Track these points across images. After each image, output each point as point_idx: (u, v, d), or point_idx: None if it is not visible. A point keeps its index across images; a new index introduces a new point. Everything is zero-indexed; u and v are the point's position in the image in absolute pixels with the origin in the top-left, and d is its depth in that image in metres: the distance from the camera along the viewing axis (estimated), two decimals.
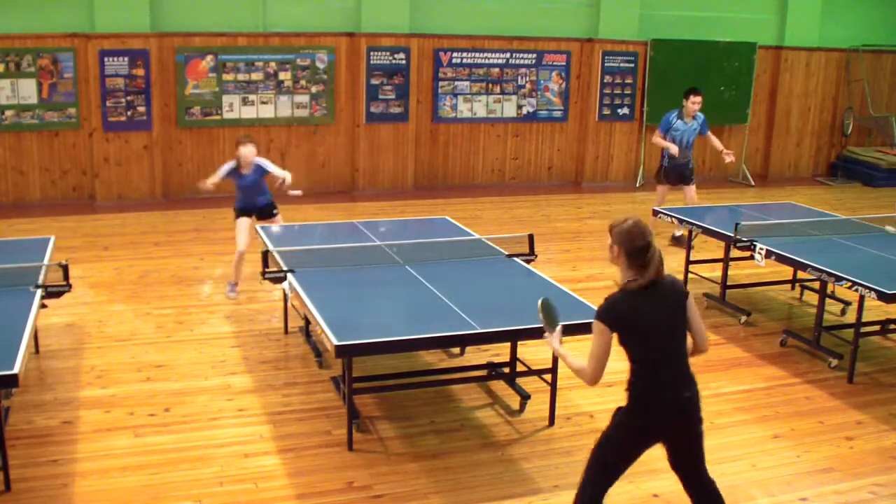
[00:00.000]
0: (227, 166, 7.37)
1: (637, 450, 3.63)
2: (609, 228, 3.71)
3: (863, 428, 5.34)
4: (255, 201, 7.46)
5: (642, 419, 3.58)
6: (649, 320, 3.54)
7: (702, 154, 13.63)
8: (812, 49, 13.81)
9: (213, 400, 5.48)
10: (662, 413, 3.57)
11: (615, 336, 3.55)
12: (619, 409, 3.63)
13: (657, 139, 9.41)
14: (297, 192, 7.56)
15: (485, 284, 5.70)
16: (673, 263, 8.74)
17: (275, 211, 7.58)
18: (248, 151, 7.27)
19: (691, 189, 9.40)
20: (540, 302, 3.97)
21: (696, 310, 3.75)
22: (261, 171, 7.39)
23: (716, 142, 9.66)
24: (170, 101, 11.02)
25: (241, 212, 7.45)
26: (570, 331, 5.17)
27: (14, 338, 4.36)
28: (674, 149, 9.15)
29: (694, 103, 9.18)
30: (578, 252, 9.18)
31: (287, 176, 7.35)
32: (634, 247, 3.58)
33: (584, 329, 5.08)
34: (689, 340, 3.74)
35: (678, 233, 9.15)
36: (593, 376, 3.57)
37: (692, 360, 3.73)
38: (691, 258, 7.87)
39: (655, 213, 8.18)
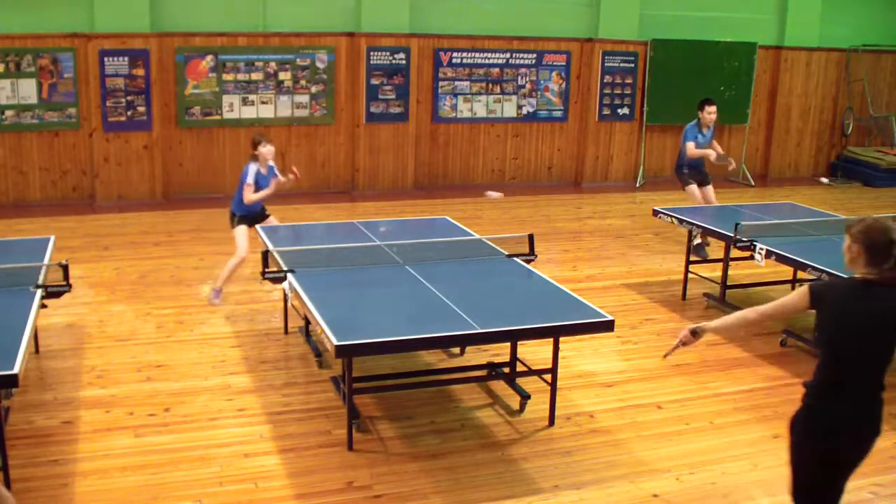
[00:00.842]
0: (254, 168, 7.13)
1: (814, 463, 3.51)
2: (846, 229, 3.46)
3: None
4: (260, 204, 7.31)
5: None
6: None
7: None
8: (812, 49, 13.81)
9: (213, 400, 5.48)
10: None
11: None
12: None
13: (697, 151, 9.11)
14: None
15: (485, 284, 5.70)
16: (672, 264, 8.76)
17: (267, 213, 7.47)
18: (267, 151, 7.15)
19: (709, 190, 9.38)
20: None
21: None
22: (273, 173, 7.30)
23: (717, 148, 9.51)
24: (170, 101, 11.02)
25: (244, 218, 7.23)
26: (570, 330, 5.21)
27: (14, 338, 4.36)
28: (713, 154, 9.11)
29: (710, 113, 9.16)
30: (578, 252, 9.18)
31: (291, 176, 7.31)
32: (874, 244, 3.32)
33: (584, 329, 5.11)
34: None
35: (697, 240, 8.52)
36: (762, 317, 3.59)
37: None
38: (691, 258, 7.86)
39: (655, 213, 8.18)
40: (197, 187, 11.42)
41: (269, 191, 7.14)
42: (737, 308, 7.26)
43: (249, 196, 7.08)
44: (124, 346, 6.34)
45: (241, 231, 7.23)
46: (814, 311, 3.45)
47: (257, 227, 7.08)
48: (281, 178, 7.33)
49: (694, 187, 9.30)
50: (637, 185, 13.12)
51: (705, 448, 5.01)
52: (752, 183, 13.57)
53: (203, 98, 11.15)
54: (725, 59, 13.24)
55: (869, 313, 3.30)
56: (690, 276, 7.85)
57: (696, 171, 9.31)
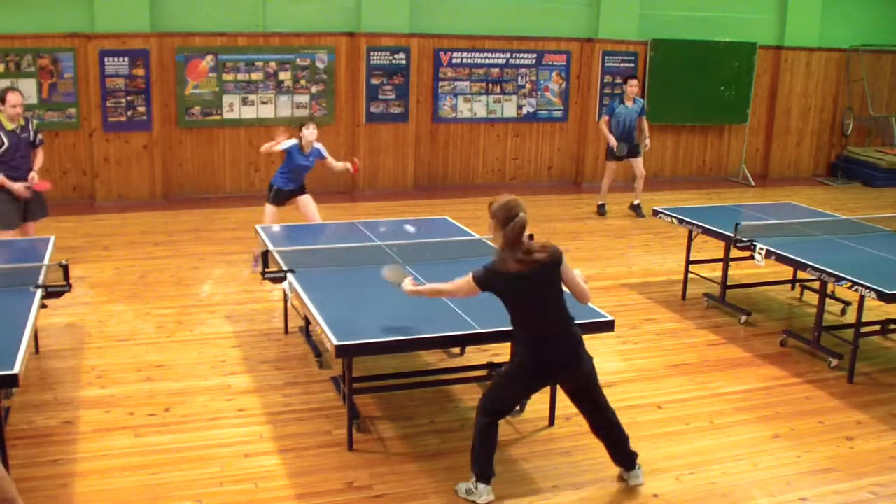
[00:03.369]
0: (292, 142, 7.75)
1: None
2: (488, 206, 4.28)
3: (863, 428, 5.34)
4: (301, 183, 8.00)
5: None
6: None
7: (701, 154, 13.67)
8: (812, 49, 13.81)
9: (213, 400, 5.48)
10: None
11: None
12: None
13: (603, 128, 10.90)
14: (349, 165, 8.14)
15: None
16: (672, 264, 8.76)
17: (306, 191, 8.11)
18: (309, 133, 7.77)
19: (639, 161, 10.99)
20: (384, 272, 4.91)
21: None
22: (319, 154, 7.94)
23: (645, 128, 10.97)
24: (170, 101, 11.02)
25: (278, 197, 7.90)
26: None
27: (14, 338, 4.36)
28: (612, 141, 10.71)
29: (631, 86, 10.69)
30: (578, 252, 9.18)
31: (349, 166, 8.09)
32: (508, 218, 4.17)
33: (584, 329, 5.09)
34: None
35: (636, 201, 10.92)
36: (451, 293, 4.55)
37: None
38: (691, 258, 7.87)
39: (655, 213, 8.19)
40: (197, 187, 11.42)
41: (273, 144, 7.75)
42: (736, 308, 7.31)
43: (264, 146, 7.91)
44: (124, 346, 6.34)
45: (271, 211, 7.91)
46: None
47: (257, 227, 7.08)
48: (332, 161, 8.06)
49: (612, 163, 10.97)
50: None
51: (705, 448, 5.01)
52: (752, 183, 13.56)
53: (203, 98, 11.15)
54: (725, 59, 13.24)
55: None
56: (690, 276, 7.85)
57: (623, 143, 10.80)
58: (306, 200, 7.99)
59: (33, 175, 7.17)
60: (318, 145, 7.95)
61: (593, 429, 4.52)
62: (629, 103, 10.71)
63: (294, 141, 7.77)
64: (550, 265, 4.19)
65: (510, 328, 4.86)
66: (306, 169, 7.97)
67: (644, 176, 11.05)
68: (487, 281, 4.24)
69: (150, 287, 7.73)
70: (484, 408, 4.38)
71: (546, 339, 4.25)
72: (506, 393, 4.42)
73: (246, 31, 11.26)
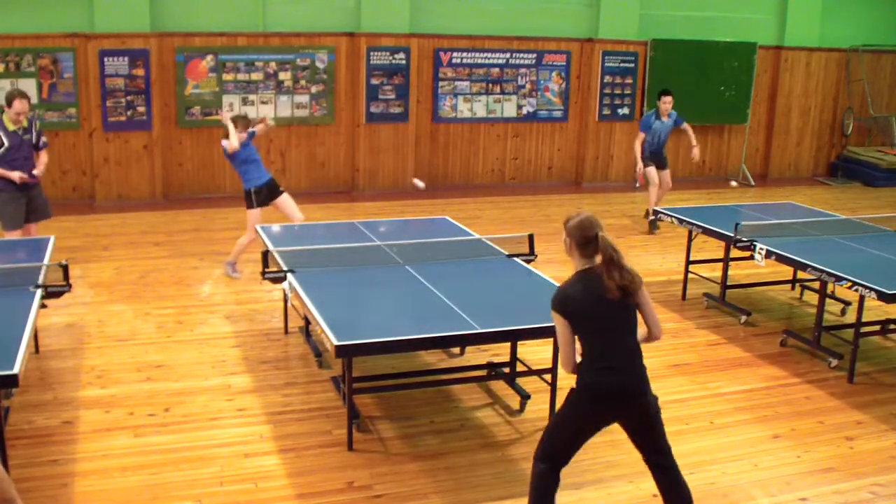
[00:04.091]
0: (235, 140, 7.58)
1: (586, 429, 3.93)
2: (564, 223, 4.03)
3: (863, 428, 5.34)
4: (269, 175, 7.89)
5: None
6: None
7: (701, 154, 13.63)
8: (812, 49, 13.81)
9: (213, 400, 5.48)
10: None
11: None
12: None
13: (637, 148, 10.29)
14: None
15: (485, 284, 5.70)
16: (672, 264, 8.76)
17: (281, 189, 7.95)
18: (242, 136, 7.63)
19: (667, 174, 10.45)
20: None
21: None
22: (253, 135, 7.87)
23: (691, 135, 10.47)
24: (170, 101, 11.02)
25: (258, 194, 7.73)
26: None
27: (14, 338, 4.36)
28: (640, 165, 10.22)
29: (665, 103, 10.15)
30: None
31: (267, 119, 8.14)
32: (584, 237, 3.89)
33: None
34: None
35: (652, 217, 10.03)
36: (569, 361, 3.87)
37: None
38: (691, 258, 7.87)
39: (657, 213, 8.18)
40: (197, 187, 11.42)
41: (225, 121, 7.71)
42: (736, 308, 7.30)
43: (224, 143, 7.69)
44: (124, 346, 6.34)
45: (256, 216, 7.72)
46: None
47: (257, 227, 7.08)
48: (258, 129, 7.98)
49: (652, 169, 10.29)
50: (637, 185, 13.11)
51: (705, 448, 5.01)
52: (752, 183, 13.57)
53: (203, 98, 11.15)
54: (725, 59, 13.24)
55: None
56: (690, 276, 7.84)
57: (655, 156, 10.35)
58: (285, 199, 7.89)
59: (39, 170, 7.21)
60: (252, 129, 7.86)
61: (652, 473, 4.04)
62: (665, 118, 10.22)
63: (234, 138, 7.56)
64: (630, 291, 3.77)
65: (510, 328, 4.88)
66: (253, 154, 7.80)
67: (669, 189, 10.55)
68: (563, 305, 3.81)
69: (150, 287, 7.73)
70: (539, 452, 3.94)
71: (613, 368, 3.81)
72: (563, 431, 3.93)
73: (246, 31, 11.26)
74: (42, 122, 10.51)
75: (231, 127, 7.56)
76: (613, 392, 3.79)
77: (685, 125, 10.36)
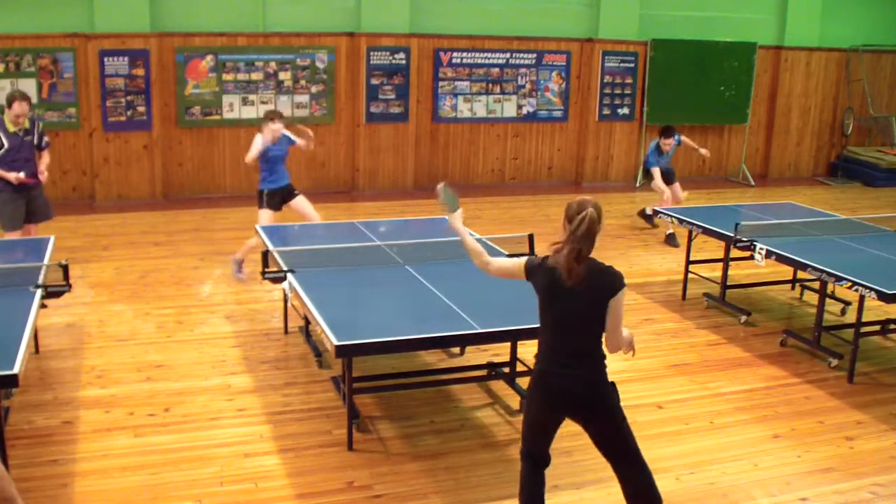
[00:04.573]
0: (260, 139, 7.51)
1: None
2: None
3: (863, 428, 5.34)
4: (288, 179, 7.77)
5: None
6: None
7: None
8: (812, 49, 13.81)
9: (213, 400, 5.48)
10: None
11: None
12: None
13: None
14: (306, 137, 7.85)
15: (485, 284, 5.66)
16: (672, 264, 8.76)
17: (295, 192, 7.83)
18: (276, 128, 7.49)
19: (678, 185, 10.14)
20: (441, 186, 4.39)
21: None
22: (289, 141, 7.74)
23: (692, 143, 10.35)
24: (170, 101, 11.02)
25: (272, 195, 7.61)
26: None
27: (14, 338, 4.36)
28: (667, 193, 9.87)
29: (665, 144, 9.94)
30: None
31: (305, 139, 7.79)
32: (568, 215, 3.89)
33: None
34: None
35: (670, 230, 9.73)
36: (488, 268, 4.06)
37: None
38: (691, 258, 7.87)
39: (656, 213, 8.18)
40: (197, 187, 11.42)
41: (258, 147, 7.50)
42: (736, 308, 7.30)
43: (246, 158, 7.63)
44: (124, 346, 6.34)
45: (264, 215, 7.57)
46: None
47: (258, 227, 7.08)
48: (299, 142, 7.78)
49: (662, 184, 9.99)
50: (637, 185, 13.12)
51: (705, 448, 5.01)
52: (752, 183, 13.56)
53: (203, 98, 11.15)
54: (725, 59, 13.24)
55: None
56: (690, 276, 7.84)
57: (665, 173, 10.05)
58: (301, 202, 7.80)
59: (42, 172, 7.22)
60: (286, 132, 7.72)
61: (620, 484, 3.83)
62: (666, 150, 10.01)
63: (260, 140, 7.51)
64: (604, 290, 3.65)
65: (510, 328, 4.87)
66: (283, 158, 7.72)
67: (680, 203, 9.93)
68: (534, 270, 3.79)
69: (150, 287, 7.73)
70: (521, 449, 3.96)
71: (561, 364, 3.67)
72: (526, 423, 3.90)
73: (246, 31, 11.26)
74: (42, 122, 10.51)
75: (259, 141, 7.49)
76: (555, 388, 3.70)
77: (684, 139, 10.23)
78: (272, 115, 7.54)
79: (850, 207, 11.61)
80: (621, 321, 3.71)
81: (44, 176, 7.26)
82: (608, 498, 4.48)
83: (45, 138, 7.38)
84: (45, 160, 7.34)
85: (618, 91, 12.97)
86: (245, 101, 11.33)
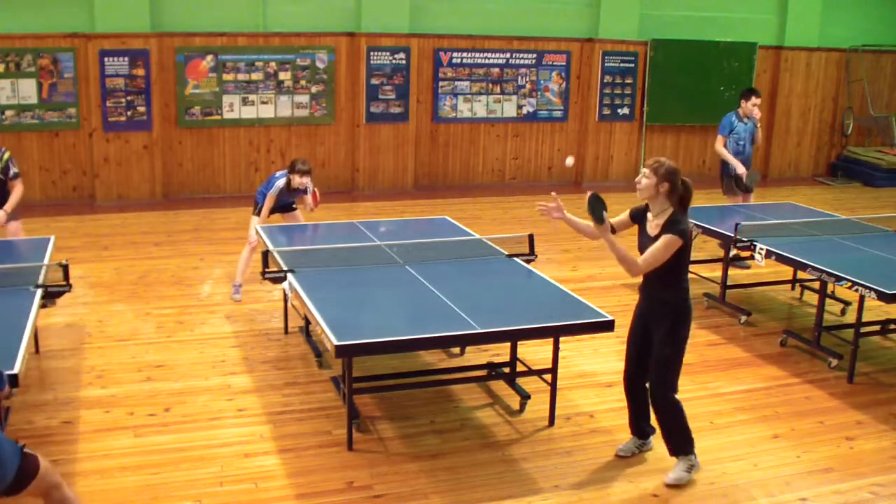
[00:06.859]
0: (282, 183, 7.25)
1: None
2: (654, 170, 4.68)
3: (863, 428, 5.34)
4: (290, 198, 7.55)
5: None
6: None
7: (702, 154, 13.64)
8: (812, 49, 13.81)
9: (213, 400, 5.48)
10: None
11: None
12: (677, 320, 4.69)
13: (721, 148, 9.00)
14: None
15: (485, 284, 5.70)
16: None
17: (294, 206, 7.68)
18: (306, 181, 7.22)
19: (751, 198, 9.00)
20: (591, 197, 4.51)
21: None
22: (302, 193, 7.42)
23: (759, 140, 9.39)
24: (170, 101, 11.02)
25: (271, 210, 7.42)
26: (570, 330, 5.21)
27: (14, 338, 4.36)
28: (740, 168, 8.81)
29: (754, 104, 9.09)
30: (578, 252, 9.18)
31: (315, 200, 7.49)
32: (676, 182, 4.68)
33: (584, 329, 5.12)
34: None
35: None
36: (641, 272, 4.56)
37: None
38: (691, 258, 7.85)
39: None
40: (197, 187, 11.42)
41: (265, 212, 7.32)
42: (736, 308, 7.30)
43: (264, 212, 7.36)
44: (124, 346, 6.34)
45: (254, 222, 7.38)
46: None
47: (258, 227, 7.08)
48: (307, 199, 7.41)
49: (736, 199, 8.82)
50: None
51: (705, 448, 5.00)
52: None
53: (203, 98, 11.15)
54: (725, 59, 13.24)
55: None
56: (690, 276, 7.82)
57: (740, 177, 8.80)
58: (295, 216, 7.66)
59: (3, 213, 6.57)
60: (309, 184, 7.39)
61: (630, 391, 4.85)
62: (746, 121, 9.16)
63: (282, 183, 7.25)
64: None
65: (510, 328, 4.87)
66: (289, 200, 7.56)
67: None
68: (686, 240, 4.58)
69: (150, 287, 7.73)
70: (670, 386, 4.58)
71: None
72: (682, 355, 4.71)
73: (246, 31, 11.26)
74: (42, 121, 10.54)
75: (275, 192, 7.25)
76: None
77: (758, 135, 9.36)
78: (304, 171, 7.20)
79: (850, 207, 11.61)
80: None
81: (10, 207, 6.57)
82: (608, 498, 4.49)
83: (14, 169, 6.69)
84: (16, 192, 6.68)
85: (618, 91, 12.97)
86: (245, 102, 11.33)
